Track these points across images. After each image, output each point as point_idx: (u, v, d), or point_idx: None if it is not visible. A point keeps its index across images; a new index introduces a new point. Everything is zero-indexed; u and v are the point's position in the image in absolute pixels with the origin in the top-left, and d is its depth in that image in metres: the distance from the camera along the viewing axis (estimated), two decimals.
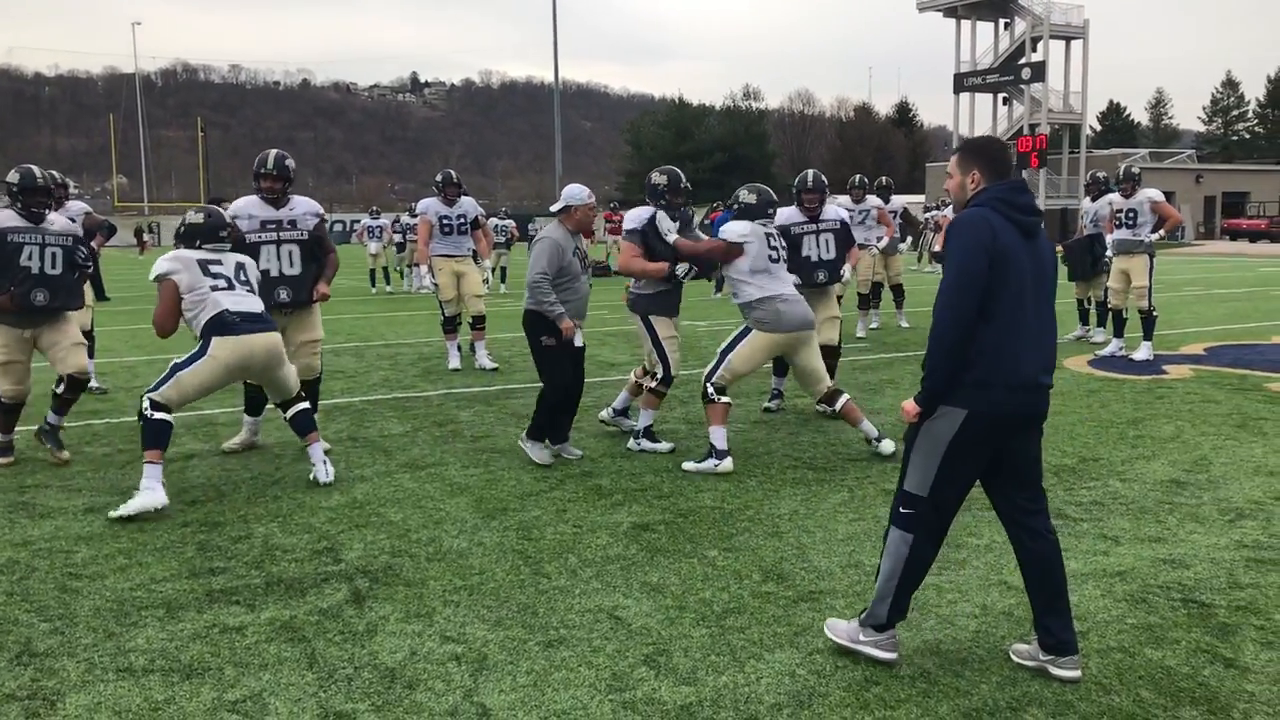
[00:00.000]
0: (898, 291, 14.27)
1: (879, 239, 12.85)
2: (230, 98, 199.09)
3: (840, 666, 3.65)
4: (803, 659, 3.72)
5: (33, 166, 6.60)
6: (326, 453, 6.35)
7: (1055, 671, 3.53)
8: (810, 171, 8.28)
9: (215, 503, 5.80)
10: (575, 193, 6.69)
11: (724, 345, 6.71)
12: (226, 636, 3.95)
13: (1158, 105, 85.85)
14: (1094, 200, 12.39)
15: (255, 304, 5.98)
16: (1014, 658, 3.67)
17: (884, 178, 14.44)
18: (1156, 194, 11.05)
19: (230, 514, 5.58)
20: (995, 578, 4.51)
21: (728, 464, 6.37)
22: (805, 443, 7.20)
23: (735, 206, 6.96)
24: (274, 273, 6.66)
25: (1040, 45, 54.58)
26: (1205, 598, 4.25)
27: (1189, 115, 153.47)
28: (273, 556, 4.87)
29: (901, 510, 3.61)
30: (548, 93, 43.25)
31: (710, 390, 6.53)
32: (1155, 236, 10.94)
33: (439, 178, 10.65)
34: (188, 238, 6.03)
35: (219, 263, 5.98)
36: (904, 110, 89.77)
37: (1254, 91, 78.10)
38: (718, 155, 74.92)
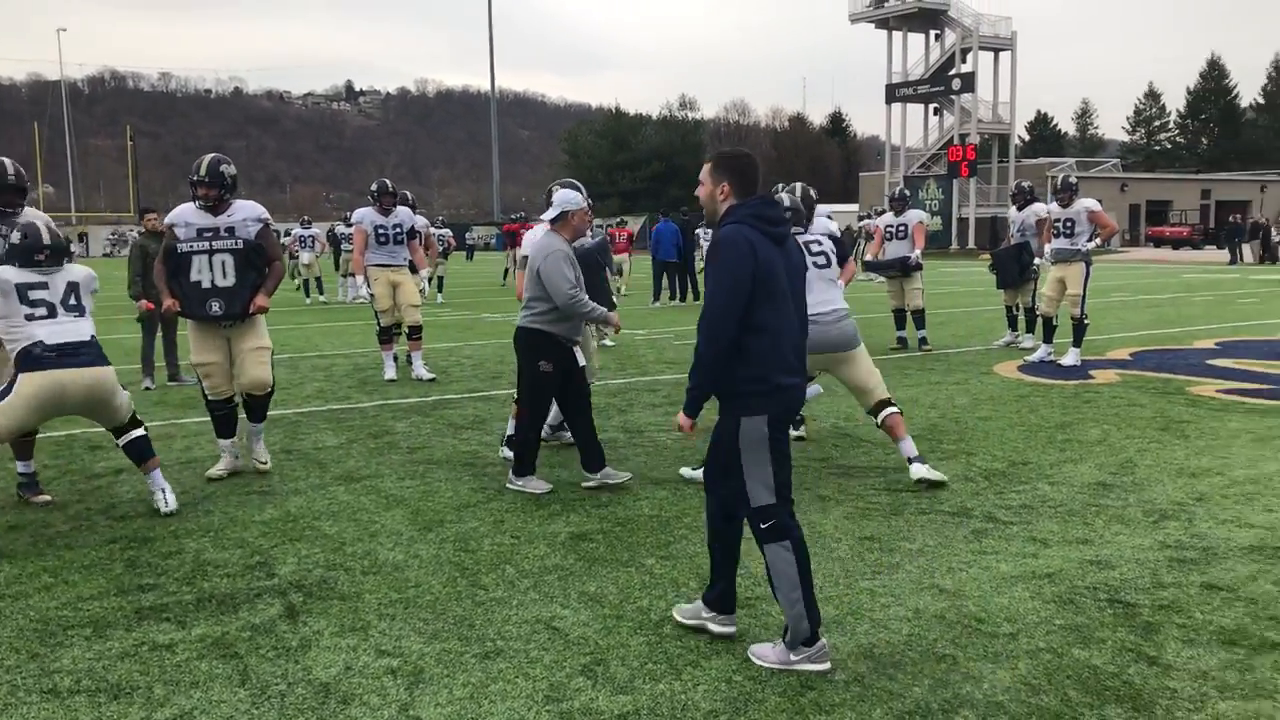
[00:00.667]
0: None
1: None
2: (160, 106, 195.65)
3: (776, 672, 3.68)
4: (739, 665, 3.75)
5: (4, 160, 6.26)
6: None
7: (714, 628, 3.97)
8: (780, 185, 7.80)
9: (145, 518, 5.70)
10: (570, 197, 6.14)
11: None
12: (156, 654, 3.88)
13: (1084, 115, 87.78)
14: (1020, 210, 12.71)
15: (79, 332, 5.46)
16: (678, 616, 4.09)
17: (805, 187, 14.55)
18: (1094, 204, 11.30)
19: (161, 529, 5.48)
20: (928, 581, 4.58)
21: (699, 473, 6.19)
22: None
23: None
24: (206, 284, 6.32)
25: (970, 57, 55.61)
26: (1130, 598, 4.35)
27: (1114, 125, 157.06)
28: (204, 572, 4.80)
29: (763, 527, 3.73)
30: (484, 101, 43.14)
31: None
32: (1092, 245, 11.19)
33: (374, 187, 10.56)
34: (8, 259, 5.60)
35: (43, 286, 5.48)
36: (837, 120, 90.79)
37: (1175, 103, 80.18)
38: (655, 165, 75.23)
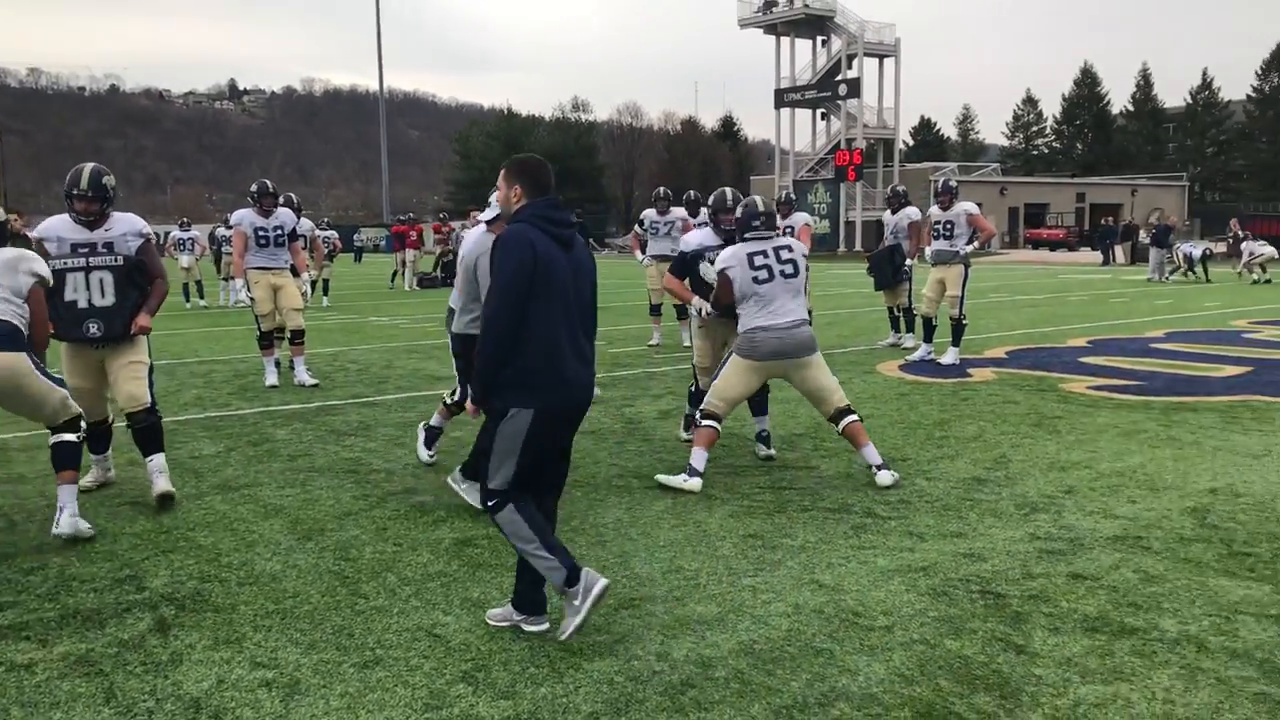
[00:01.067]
0: None
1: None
2: (30, 103, 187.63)
3: (658, 671, 3.70)
4: (621, 666, 3.75)
5: None
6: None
7: (528, 628, 4.07)
8: (728, 190, 7.26)
9: (6, 533, 5.47)
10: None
11: (716, 372, 6.58)
12: (14, 675, 3.72)
13: (965, 121, 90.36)
14: (894, 213, 13.02)
15: None
16: (489, 619, 4.16)
17: (692, 191, 14.62)
18: (973, 207, 11.64)
19: (23, 544, 5.26)
20: (808, 577, 4.65)
21: (695, 484, 6.16)
22: (631, 451, 7.27)
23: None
24: (82, 304, 5.84)
25: (855, 63, 56.73)
26: (1000, 588, 4.49)
27: (994, 131, 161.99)
28: (69, 587, 4.62)
29: (489, 504, 3.98)
30: (373, 101, 42.49)
31: (697, 415, 6.49)
32: (971, 248, 11.51)
33: (254, 188, 10.31)
34: None
35: None
36: (729, 124, 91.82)
37: (1051, 109, 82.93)
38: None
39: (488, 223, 5.83)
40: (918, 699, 3.48)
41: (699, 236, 7.15)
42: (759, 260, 6.24)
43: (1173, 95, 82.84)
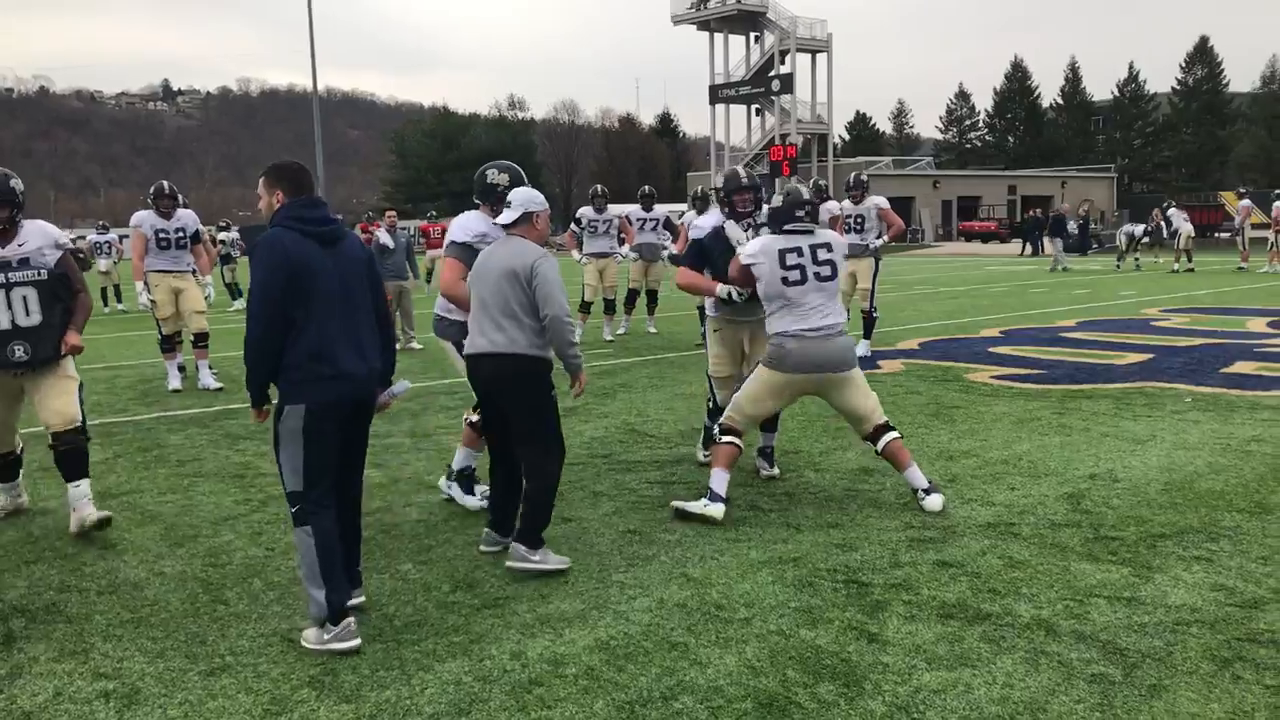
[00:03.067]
0: (652, 297, 14.48)
1: (620, 248, 13.34)
2: None
3: (508, 671, 3.69)
4: (472, 666, 3.73)
5: None
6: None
7: (336, 646, 3.92)
8: (740, 168, 6.52)
9: None
10: (531, 196, 4.84)
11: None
12: None
13: (899, 115, 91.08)
14: (856, 203, 13.11)
15: None
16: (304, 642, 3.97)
17: (646, 186, 14.59)
18: (883, 201, 11.75)
19: None
20: (678, 571, 4.66)
21: (717, 510, 5.31)
22: None
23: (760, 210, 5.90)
24: (4, 324, 5.31)
25: (788, 58, 57.09)
26: (865, 578, 4.52)
27: (928, 124, 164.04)
28: None
29: (292, 510, 3.95)
30: (310, 101, 41.91)
31: (715, 431, 5.72)
32: (880, 242, 11.62)
33: (152, 189, 10.12)
34: None
35: None
36: (667, 121, 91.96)
37: (983, 103, 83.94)
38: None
39: (507, 226, 4.84)
40: (761, 690, 3.49)
41: (711, 219, 6.27)
42: (791, 259, 5.46)
43: (1101, 88, 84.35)
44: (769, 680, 3.56)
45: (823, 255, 5.52)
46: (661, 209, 13.81)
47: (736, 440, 5.53)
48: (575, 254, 13.78)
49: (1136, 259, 28.40)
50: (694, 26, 60.47)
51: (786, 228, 5.54)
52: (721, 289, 5.85)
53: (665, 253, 13.22)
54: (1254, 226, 27.14)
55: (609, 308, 13.87)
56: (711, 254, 6.07)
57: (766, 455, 6.39)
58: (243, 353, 3.95)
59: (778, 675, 3.60)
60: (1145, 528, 5.14)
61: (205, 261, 10.42)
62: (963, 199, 62.71)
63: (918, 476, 5.58)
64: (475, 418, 5.63)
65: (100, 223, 24.93)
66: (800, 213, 5.54)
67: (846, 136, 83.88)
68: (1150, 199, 52.32)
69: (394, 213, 14.14)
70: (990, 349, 11.91)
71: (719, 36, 59.87)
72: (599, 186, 14.01)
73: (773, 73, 57.28)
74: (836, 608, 4.20)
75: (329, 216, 4.05)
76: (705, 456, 6.56)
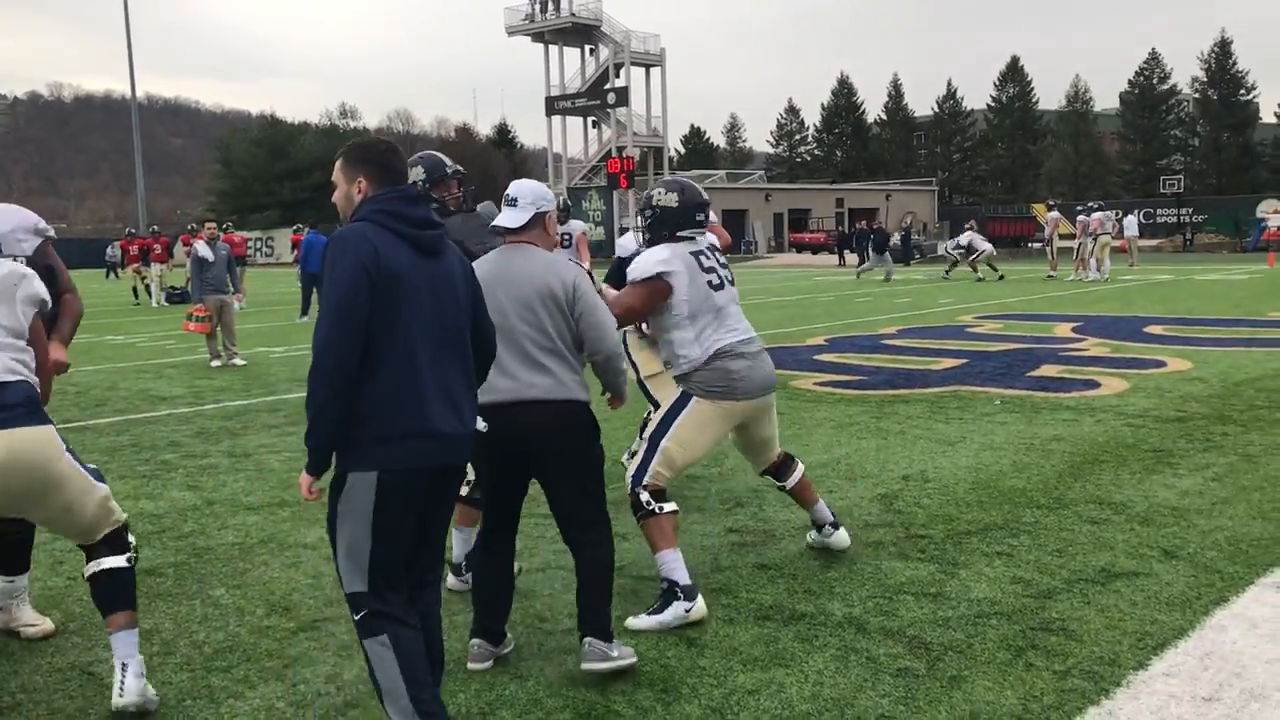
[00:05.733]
0: None
1: None
2: None
3: (323, 694, 3.60)
4: (286, 690, 3.63)
5: None
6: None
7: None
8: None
9: None
10: (540, 190, 3.87)
11: (652, 426, 4.54)
12: None
13: (733, 129, 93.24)
14: None
15: None
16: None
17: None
18: (711, 216, 11.97)
19: None
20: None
21: (700, 607, 4.14)
22: None
23: (645, 215, 4.58)
24: None
25: (623, 72, 57.68)
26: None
27: (759, 139, 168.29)
28: None
29: (356, 618, 3.03)
30: (129, 107, 40.10)
31: (643, 497, 4.30)
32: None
33: None
34: None
35: None
36: (504, 131, 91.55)
37: (812, 118, 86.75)
38: (316, 174, 72.83)
39: (513, 230, 3.81)
40: (581, 700, 3.51)
41: (634, 240, 5.64)
42: (705, 261, 4.52)
43: (922, 104, 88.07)
44: (588, 691, 3.58)
45: (721, 258, 4.69)
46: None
47: (672, 506, 4.32)
48: None
49: (946, 271, 29.36)
50: (529, 38, 60.48)
51: (682, 234, 4.52)
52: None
53: None
54: (1062, 236, 28.72)
55: None
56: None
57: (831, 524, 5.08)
58: (306, 395, 2.91)
59: (597, 685, 3.62)
60: (953, 525, 5.37)
61: None
62: (794, 211, 64.44)
63: (824, 511, 4.97)
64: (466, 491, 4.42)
65: None
66: (701, 215, 4.57)
67: (682, 150, 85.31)
68: (968, 211, 54.92)
69: (214, 224, 13.64)
70: (815, 356, 12.28)
71: (554, 49, 60.05)
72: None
73: (608, 86, 57.77)
74: None
75: (433, 216, 3.09)
76: (628, 456, 5.88)
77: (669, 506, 4.28)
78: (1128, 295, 20.38)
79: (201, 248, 12.81)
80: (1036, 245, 45.88)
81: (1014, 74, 78.43)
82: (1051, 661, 3.70)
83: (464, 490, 4.30)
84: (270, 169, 73.50)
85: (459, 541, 4.60)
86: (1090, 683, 3.52)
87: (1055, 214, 28.93)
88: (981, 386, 9.65)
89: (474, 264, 3.58)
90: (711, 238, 4.78)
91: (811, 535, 5.02)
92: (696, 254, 4.49)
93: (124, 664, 3.46)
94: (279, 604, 4.49)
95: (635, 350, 6.12)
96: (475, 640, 3.79)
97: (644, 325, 5.22)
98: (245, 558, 5.15)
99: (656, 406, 5.42)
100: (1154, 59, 73.87)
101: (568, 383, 3.66)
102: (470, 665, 3.75)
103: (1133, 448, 6.93)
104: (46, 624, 4.23)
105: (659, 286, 4.40)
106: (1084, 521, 5.35)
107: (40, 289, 3.57)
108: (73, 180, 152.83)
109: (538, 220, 3.79)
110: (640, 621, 4.11)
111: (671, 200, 4.53)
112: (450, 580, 4.58)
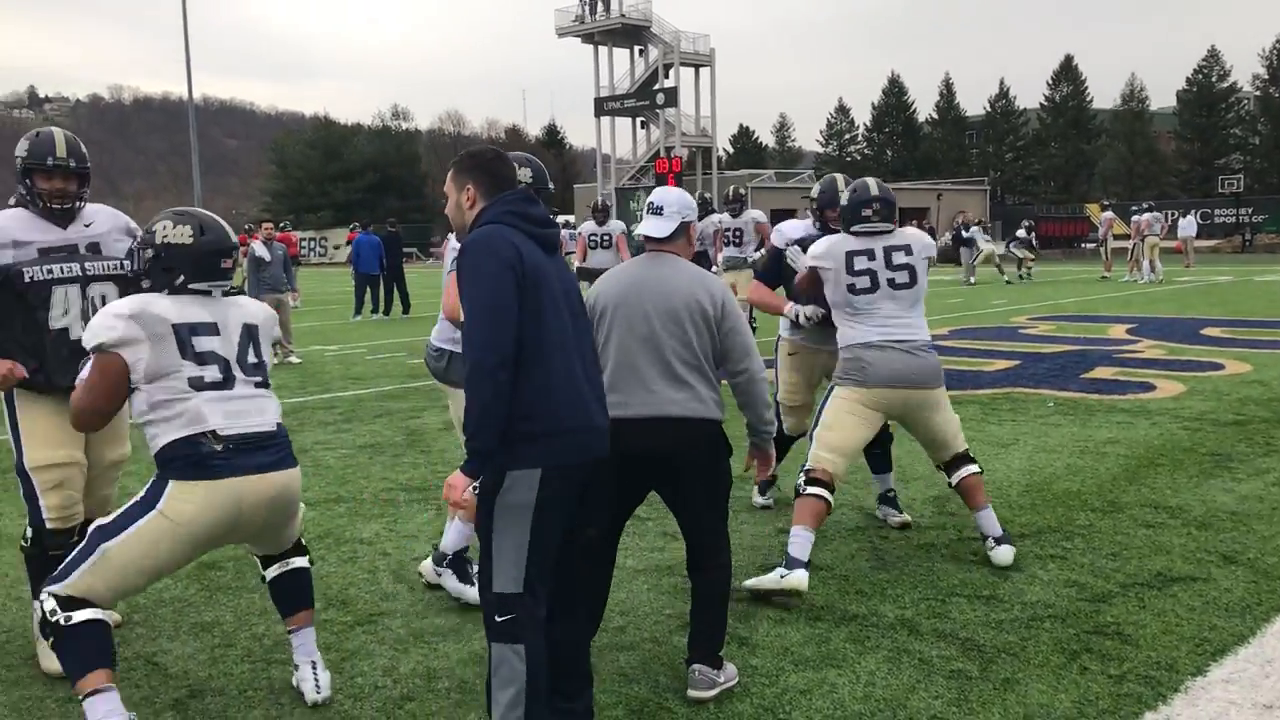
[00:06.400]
0: None
1: None
2: None
3: (380, 687, 3.67)
4: (343, 683, 3.70)
5: None
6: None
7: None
8: (839, 176, 5.53)
9: None
10: (686, 200, 3.78)
11: (815, 420, 4.91)
12: None
13: (782, 129, 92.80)
14: (735, 216, 13.37)
15: (264, 412, 3.36)
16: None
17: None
18: (760, 215, 12.05)
19: None
20: None
21: (798, 579, 4.30)
22: (406, 464, 7.18)
23: (811, 209, 5.09)
24: (77, 333, 3.78)
25: (672, 72, 57.67)
26: (737, 583, 4.60)
27: (809, 138, 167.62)
28: None
29: (498, 619, 2.96)
30: (186, 109, 40.75)
31: (800, 480, 4.69)
32: (759, 254, 11.87)
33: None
34: (153, 277, 3.40)
35: (213, 329, 3.36)
36: (553, 132, 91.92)
37: (862, 117, 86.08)
38: (369, 175, 73.64)
39: (660, 240, 3.75)
40: (633, 697, 3.54)
41: (799, 228, 5.54)
42: (860, 263, 4.70)
43: (973, 104, 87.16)
44: (640, 688, 3.61)
45: (899, 259, 4.72)
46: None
47: (825, 494, 4.55)
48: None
49: (1021, 274, 28.72)
50: (579, 39, 60.66)
51: (854, 229, 4.79)
52: (790, 309, 5.23)
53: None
54: (1116, 237, 28.31)
55: None
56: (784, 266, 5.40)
57: (891, 501, 5.56)
58: (466, 400, 2.87)
59: (649, 682, 3.65)
60: (1006, 528, 5.33)
61: None
62: None
63: (991, 522, 4.85)
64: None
65: None
66: (868, 211, 4.75)
67: (730, 150, 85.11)
68: (1020, 210, 54.25)
69: (270, 224, 13.87)
70: None
71: (603, 49, 60.15)
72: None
73: (657, 86, 57.78)
74: None
75: (550, 216, 3.16)
76: (763, 502, 5.87)
77: (813, 490, 4.56)
78: (1184, 297, 20.06)
79: (258, 247, 13.03)
80: (1090, 246, 45.27)
81: (1068, 72, 77.34)
82: (1107, 666, 3.68)
83: None
84: (324, 170, 74.34)
85: (454, 534, 4.48)
86: (1147, 688, 3.50)
87: (1109, 214, 28.52)
88: (1035, 388, 9.56)
89: (614, 269, 3.78)
90: (909, 234, 4.88)
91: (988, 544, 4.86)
92: (853, 254, 4.72)
93: (313, 661, 3.58)
94: (336, 598, 4.56)
95: (782, 369, 5.76)
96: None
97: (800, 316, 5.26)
98: None
99: (783, 431, 5.46)
100: (1213, 56, 72.52)
101: (707, 400, 3.61)
102: None
103: (1189, 451, 6.84)
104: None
105: (815, 277, 4.87)
106: (1139, 525, 5.29)
107: (277, 328, 3.71)
108: (132, 181, 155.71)
109: (683, 230, 3.75)
110: (751, 580, 4.41)
111: (843, 198, 4.94)
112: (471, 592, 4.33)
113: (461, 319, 3.58)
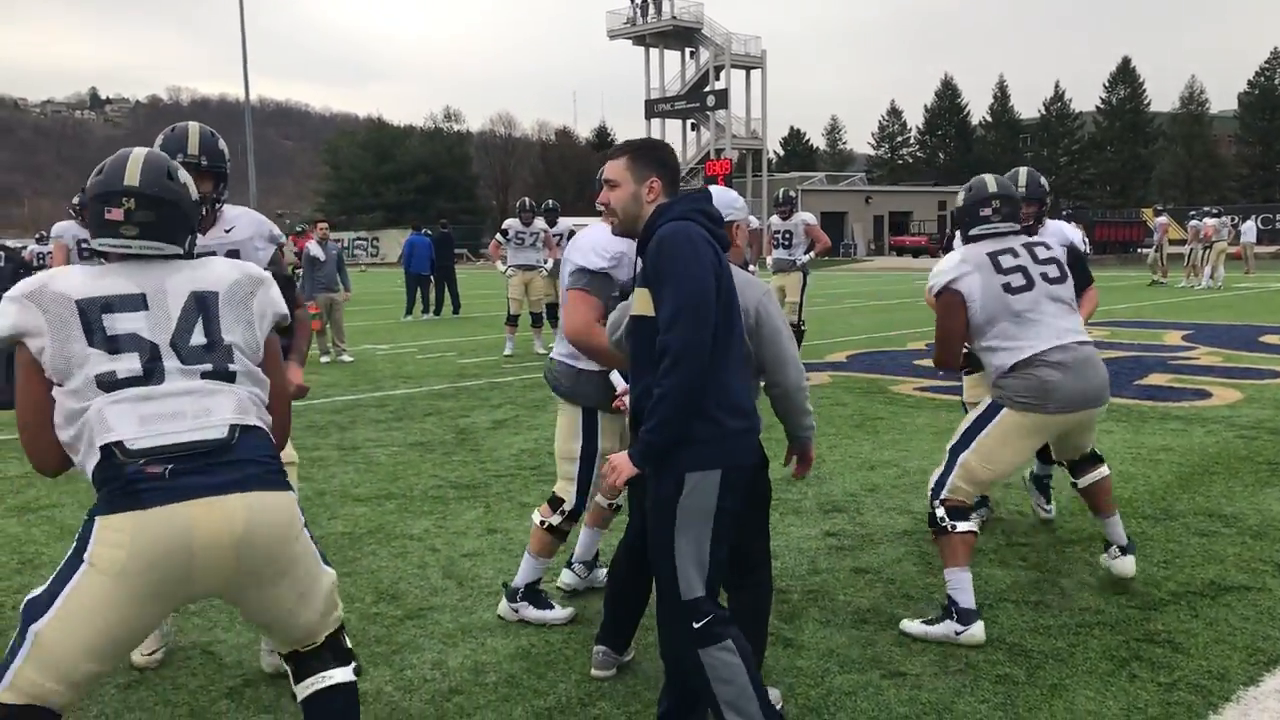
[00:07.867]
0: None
1: (545, 261, 13.43)
2: None
3: (429, 680, 3.72)
4: (393, 675, 3.76)
5: None
6: None
7: None
8: (1023, 170, 5.14)
9: None
10: (732, 199, 3.65)
11: (955, 437, 4.25)
12: None
13: (833, 131, 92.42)
14: (785, 219, 13.36)
15: (208, 413, 2.47)
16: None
17: (550, 200, 14.77)
18: (810, 218, 12.01)
19: None
20: (600, 579, 4.71)
21: (976, 631, 3.90)
22: (456, 462, 7.25)
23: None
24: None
25: (723, 74, 57.66)
26: (784, 584, 4.61)
27: (860, 140, 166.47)
28: None
29: (695, 626, 2.86)
30: (243, 110, 41.40)
31: (938, 513, 4.10)
32: (808, 257, 11.87)
33: (76, 199, 9.96)
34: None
35: (135, 302, 2.52)
36: (603, 134, 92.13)
37: (914, 119, 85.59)
38: (421, 177, 74.32)
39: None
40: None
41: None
42: (1007, 260, 4.13)
43: (1028, 107, 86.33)
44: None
45: (1043, 254, 4.20)
46: (541, 222, 13.72)
47: (969, 525, 4.07)
48: (499, 265, 13.79)
49: None
50: (630, 41, 60.84)
51: (974, 232, 4.25)
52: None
53: (548, 265, 13.40)
54: (1172, 242, 27.91)
55: (536, 320, 13.86)
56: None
57: (1044, 489, 5.35)
58: (670, 383, 2.74)
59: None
60: (1056, 534, 5.30)
61: None
62: (894, 214, 63.70)
63: (1118, 530, 4.51)
64: (609, 500, 4.49)
65: (40, 233, 24.44)
66: (986, 210, 4.23)
67: (781, 152, 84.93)
68: (1075, 215, 53.52)
69: (325, 224, 14.06)
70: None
71: (654, 52, 60.32)
72: (527, 199, 14.08)
73: (708, 88, 57.82)
74: None
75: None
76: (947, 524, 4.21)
77: (964, 525, 4.03)
78: (1242, 304, 19.71)
79: (313, 247, 13.22)
80: (1145, 251, 44.64)
81: (1125, 75, 76.28)
82: (1157, 673, 3.64)
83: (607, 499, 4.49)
84: (376, 171, 75.16)
85: (531, 566, 4.27)
86: (1198, 696, 3.46)
87: (1164, 219, 28.12)
88: None
89: None
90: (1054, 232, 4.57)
91: (1103, 556, 4.58)
92: (996, 253, 4.15)
93: None
94: (387, 592, 4.63)
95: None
96: (600, 647, 3.73)
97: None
98: (354, 547, 5.32)
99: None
100: (1275, 58, 71.19)
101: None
102: (594, 673, 3.72)
103: (1245, 460, 6.74)
104: (155, 656, 4.40)
105: (952, 305, 4.13)
106: (1192, 533, 5.23)
107: (279, 300, 2.80)
108: None
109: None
110: (913, 626, 4.03)
111: (959, 198, 4.38)
112: (565, 577, 4.62)
113: (585, 342, 3.75)
